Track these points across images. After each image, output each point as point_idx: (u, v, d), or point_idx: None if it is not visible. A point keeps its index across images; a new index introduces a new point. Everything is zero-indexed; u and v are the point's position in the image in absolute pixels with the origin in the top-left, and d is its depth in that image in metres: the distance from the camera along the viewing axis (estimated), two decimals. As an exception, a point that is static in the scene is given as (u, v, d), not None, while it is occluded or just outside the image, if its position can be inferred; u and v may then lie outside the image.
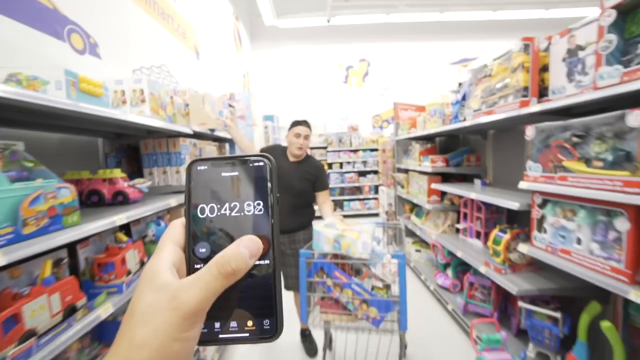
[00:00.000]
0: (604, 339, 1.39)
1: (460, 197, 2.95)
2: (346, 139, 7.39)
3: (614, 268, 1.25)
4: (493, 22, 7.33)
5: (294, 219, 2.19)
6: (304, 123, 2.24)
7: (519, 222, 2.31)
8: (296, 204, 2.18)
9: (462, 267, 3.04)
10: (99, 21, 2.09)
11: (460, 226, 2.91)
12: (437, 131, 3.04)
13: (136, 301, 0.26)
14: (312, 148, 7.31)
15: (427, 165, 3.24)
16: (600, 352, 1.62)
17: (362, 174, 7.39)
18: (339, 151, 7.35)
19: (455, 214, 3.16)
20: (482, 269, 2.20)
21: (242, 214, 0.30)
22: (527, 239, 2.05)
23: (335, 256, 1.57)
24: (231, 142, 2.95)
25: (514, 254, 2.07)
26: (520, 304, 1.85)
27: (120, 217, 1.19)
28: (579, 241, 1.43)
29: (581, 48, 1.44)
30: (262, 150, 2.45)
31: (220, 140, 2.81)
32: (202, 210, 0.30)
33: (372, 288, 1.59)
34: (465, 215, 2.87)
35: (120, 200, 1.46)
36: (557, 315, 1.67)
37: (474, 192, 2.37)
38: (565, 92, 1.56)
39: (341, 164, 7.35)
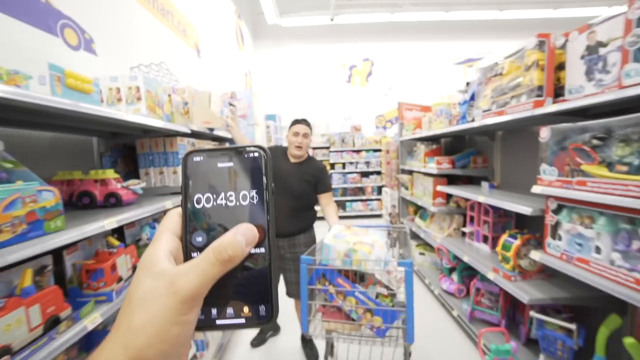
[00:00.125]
0: (623, 354, 1.30)
1: (466, 200, 2.86)
2: (349, 139, 7.31)
3: (639, 280, 1.17)
4: (499, 22, 7.22)
5: (294, 222, 2.11)
6: (303, 121, 2.16)
7: (528, 227, 2.23)
8: (296, 206, 2.10)
9: (467, 272, 2.95)
10: (95, 16, 2.03)
11: (466, 230, 2.82)
12: (443, 132, 2.96)
13: (134, 288, 0.26)
14: (314, 148, 7.24)
15: (432, 167, 3.16)
16: (618, 367, 1.53)
17: (364, 174, 7.30)
18: (342, 151, 7.26)
19: (461, 217, 3.07)
20: (491, 276, 2.11)
21: (237, 203, 0.30)
22: (539, 245, 1.97)
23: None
24: (231, 141, 2.88)
25: (524, 261, 1.99)
26: (532, 314, 1.77)
27: (110, 221, 1.12)
28: (598, 250, 1.34)
29: (602, 44, 1.36)
30: None
31: (219, 140, 2.74)
32: (199, 200, 0.30)
33: (377, 296, 1.51)
34: (471, 218, 2.78)
35: (113, 202, 1.39)
36: (572, 326, 1.58)
37: (482, 195, 2.28)
38: (583, 91, 1.47)
39: (344, 165, 7.27)
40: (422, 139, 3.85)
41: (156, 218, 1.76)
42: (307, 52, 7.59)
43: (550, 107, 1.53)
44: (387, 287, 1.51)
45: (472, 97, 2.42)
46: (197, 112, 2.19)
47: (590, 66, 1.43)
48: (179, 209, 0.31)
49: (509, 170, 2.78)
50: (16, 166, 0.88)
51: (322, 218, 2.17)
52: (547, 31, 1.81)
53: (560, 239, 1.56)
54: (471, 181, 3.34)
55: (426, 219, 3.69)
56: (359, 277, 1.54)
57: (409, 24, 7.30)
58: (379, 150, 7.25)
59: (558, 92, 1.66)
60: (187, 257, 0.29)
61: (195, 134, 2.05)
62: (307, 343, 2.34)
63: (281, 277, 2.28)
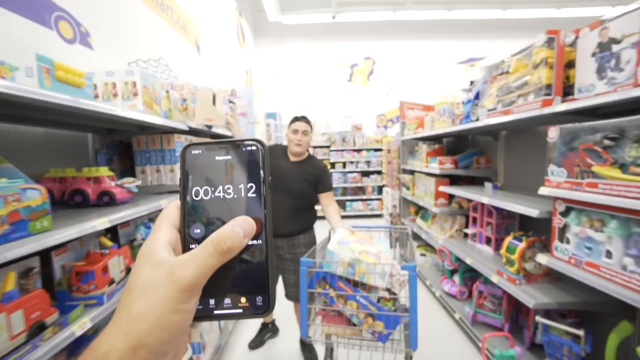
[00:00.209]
0: (634, 363, 1.26)
1: (469, 200, 2.82)
2: (350, 138, 7.25)
3: (652, 287, 1.12)
4: (501, 21, 7.16)
5: (293, 222, 2.06)
6: (303, 119, 2.11)
7: (533, 229, 2.18)
8: (296, 206, 2.05)
9: (469, 274, 2.91)
10: (91, 9, 1.97)
11: (469, 231, 2.77)
12: (446, 131, 2.91)
13: (134, 277, 0.26)
14: (314, 147, 7.19)
15: (434, 167, 3.11)
16: (627, 375, 1.49)
17: (365, 174, 7.25)
18: (342, 150, 7.21)
19: (463, 218, 3.03)
20: (495, 278, 2.07)
21: (235, 196, 0.30)
22: (544, 248, 1.92)
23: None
24: (230, 138, 2.82)
25: (529, 264, 1.94)
26: (538, 319, 1.72)
27: (101, 221, 1.07)
28: (609, 254, 1.29)
29: (616, 41, 1.31)
30: None
31: (218, 137, 2.69)
32: (197, 193, 0.30)
33: (379, 300, 1.47)
34: (474, 219, 2.73)
35: (106, 201, 1.34)
36: (580, 332, 1.53)
37: (486, 197, 2.23)
38: (594, 90, 1.42)
39: (344, 164, 7.22)
40: (424, 139, 3.80)
41: (152, 217, 1.71)
42: (308, 50, 7.53)
43: (560, 107, 1.48)
44: (389, 291, 1.46)
45: (477, 96, 2.37)
46: (200, 110, 2.13)
47: (602, 64, 1.38)
48: (178, 202, 0.31)
49: (512, 171, 2.73)
50: (1, 162, 0.83)
51: (322, 217, 2.13)
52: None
53: (568, 242, 1.51)
54: (473, 182, 3.30)
55: (427, 219, 3.64)
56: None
57: (411, 22, 7.24)
58: (380, 150, 7.20)
59: (567, 91, 1.61)
60: (185, 248, 0.29)
61: (193, 131, 2.00)
62: (306, 346, 2.29)
63: (280, 279, 2.23)
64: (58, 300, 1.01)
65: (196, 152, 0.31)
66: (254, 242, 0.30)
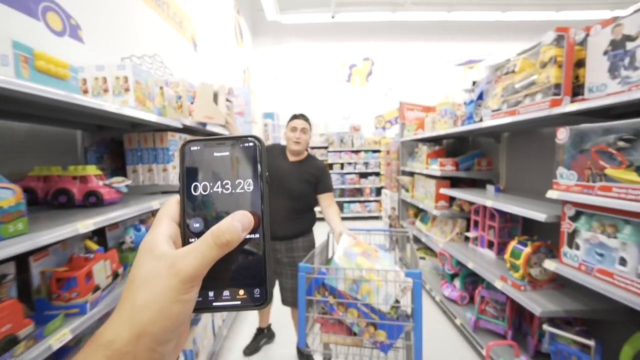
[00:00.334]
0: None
1: (471, 203, 2.76)
2: (348, 139, 7.20)
3: (671, 297, 1.06)
4: (500, 24, 7.16)
5: (292, 224, 1.99)
6: (301, 116, 2.05)
7: (537, 234, 2.12)
8: (295, 207, 1.98)
9: (470, 278, 2.85)
10: (82, 1, 1.89)
11: (470, 235, 2.72)
12: (448, 132, 2.85)
13: (136, 270, 0.27)
14: (312, 148, 7.12)
15: (435, 169, 3.05)
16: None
17: (363, 175, 7.20)
18: (340, 151, 7.15)
19: (464, 221, 2.97)
20: (498, 284, 2.01)
21: (233, 191, 0.31)
22: (550, 253, 1.87)
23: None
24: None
25: (534, 269, 1.88)
26: (546, 327, 1.66)
27: (85, 224, 0.99)
28: (623, 262, 1.23)
29: (630, 39, 1.25)
30: None
31: (215, 136, 2.61)
32: (196, 188, 0.31)
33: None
34: (476, 223, 2.68)
35: (93, 201, 1.26)
36: (591, 343, 1.47)
37: (490, 200, 2.17)
38: (606, 89, 1.37)
39: (342, 165, 7.16)
40: (424, 140, 3.74)
41: (143, 219, 1.63)
42: (306, 50, 7.47)
43: (570, 107, 1.43)
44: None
45: (480, 97, 2.31)
46: (200, 106, 2.05)
47: (614, 62, 1.33)
48: (178, 197, 0.32)
49: (515, 174, 2.68)
50: (-30, 159, 0.75)
51: (320, 219, 2.06)
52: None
53: (578, 248, 1.45)
54: (474, 184, 3.25)
55: (427, 222, 3.59)
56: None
57: (410, 23, 7.21)
58: (378, 151, 7.15)
59: (575, 91, 1.55)
60: (185, 242, 0.30)
61: (188, 129, 1.92)
62: (304, 355, 2.21)
63: (276, 283, 2.15)
64: (35, 310, 0.93)
65: (195, 148, 0.32)
66: (252, 235, 0.30)
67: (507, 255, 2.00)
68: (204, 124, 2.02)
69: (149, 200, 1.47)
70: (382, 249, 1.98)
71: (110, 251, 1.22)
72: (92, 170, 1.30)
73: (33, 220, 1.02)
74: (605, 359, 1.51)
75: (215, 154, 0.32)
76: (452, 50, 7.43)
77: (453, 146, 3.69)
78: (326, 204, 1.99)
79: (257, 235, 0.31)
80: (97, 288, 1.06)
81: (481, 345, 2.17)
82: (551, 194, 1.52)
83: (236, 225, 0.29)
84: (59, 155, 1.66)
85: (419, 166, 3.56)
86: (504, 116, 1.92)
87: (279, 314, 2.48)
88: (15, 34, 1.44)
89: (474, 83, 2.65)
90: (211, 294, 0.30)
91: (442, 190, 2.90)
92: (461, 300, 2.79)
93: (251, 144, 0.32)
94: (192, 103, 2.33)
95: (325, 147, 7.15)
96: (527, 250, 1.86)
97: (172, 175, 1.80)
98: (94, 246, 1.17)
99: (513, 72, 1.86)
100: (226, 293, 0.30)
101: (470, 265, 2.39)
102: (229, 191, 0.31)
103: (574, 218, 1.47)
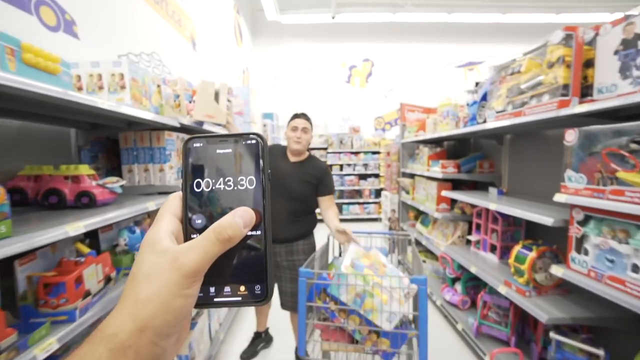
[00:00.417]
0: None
1: (473, 206, 2.72)
2: (347, 141, 7.16)
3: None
4: (500, 26, 7.15)
5: (292, 227, 1.94)
6: (302, 115, 2.00)
7: (542, 238, 2.08)
8: (296, 210, 1.93)
9: (472, 283, 2.81)
10: (78, -4, 1.84)
11: (472, 238, 2.67)
12: (450, 134, 2.81)
13: (138, 265, 0.27)
14: (311, 149, 7.07)
15: (436, 171, 3.01)
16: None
17: (362, 177, 7.15)
18: (340, 153, 7.11)
19: (466, 224, 2.93)
20: (502, 289, 1.96)
21: (235, 188, 0.31)
22: (555, 258, 1.83)
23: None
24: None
25: (539, 275, 1.84)
26: (552, 335, 1.61)
27: (75, 226, 0.94)
28: (635, 268, 1.19)
29: (643, 38, 1.22)
30: None
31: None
32: (198, 185, 0.31)
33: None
34: (478, 226, 2.64)
35: (85, 202, 1.20)
36: (600, 352, 1.43)
37: (493, 203, 2.13)
38: (616, 90, 1.33)
39: (341, 166, 7.12)
40: (425, 142, 3.71)
41: (138, 220, 1.57)
42: (306, 51, 7.44)
43: (579, 108, 1.39)
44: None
45: (484, 98, 2.28)
46: (201, 104, 2.00)
47: (626, 62, 1.29)
48: (180, 193, 0.32)
49: (518, 176, 2.65)
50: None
51: (321, 220, 2.01)
52: (548, 36, 1.69)
53: (586, 253, 1.41)
54: (476, 186, 3.21)
55: (428, 225, 3.54)
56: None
57: (410, 25, 7.19)
58: (378, 153, 7.11)
59: (583, 92, 1.52)
60: (187, 237, 0.30)
61: (185, 129, 1.87)
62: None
63: (275, 287, 2.10)
64: (20, 318, 0.88)
65: (198, 145, 0.32)
66: (254, 232, 0.30)
67: (511, 260, 1.96)
68: (201, 123, 1.97)
69: (144, 202, 1.41)
70: (382, 252, 1.94)
71: (103, 254, 1.17)
72: (84, 169, 1.24)
73: (21, 222, 0.97)
74: (614, 368, 1.47)
75: (218, 150, 0.32)
76: (452, 52, 7.42)
77: (454, 148, 3.65)
78: (326, 206, 1.94)
79: (258, 232, 0.31)
80: (87, 293, 1.01)
81: (484, 352, 2.13)
82: (559, 197, 1.48)
83: (238, 221, 0.29)
84: (51, 154, 1.61)
85: (420, 168, 3.52)
86: (509, 117, 1.88)
87: (277, 317, 2.43)
88: (6, 29, 1.40)
89: (476, 84, 2.62)
90: (212, 289, 0.30)
91: (444, 193, 2.85)
92: (462, 305, 2.74)
93: (254, 141, 0.32)
94: (190, 102, 2.28)
95: (325, 148, 7.11)
96: (532, 255, 1.82)
97: (169, 175, 1.75)
98: (85, 249, 1.11)
99: (519, 72, 1.82)
100: (227, 289, 0.30)
101: (472, 270, 2.34)
102: (231, 188, 0.31)
103: (583, 222, 1.43)
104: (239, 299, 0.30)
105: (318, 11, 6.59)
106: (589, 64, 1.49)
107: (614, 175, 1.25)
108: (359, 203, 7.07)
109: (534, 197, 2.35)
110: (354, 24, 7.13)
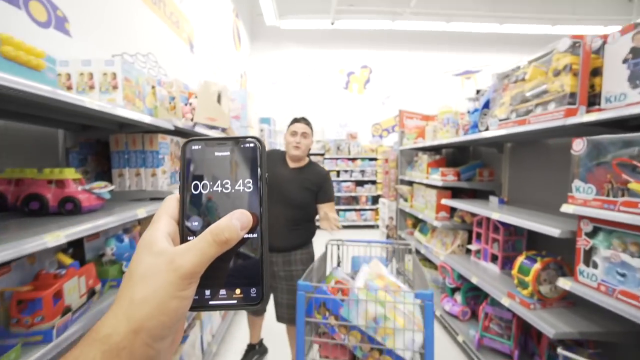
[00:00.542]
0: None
1: (473, 215, 2.68)
2: (344, 147, 7.12)
3: None
4: (498, 36, 7.23)
5: (291, 235, 1.86)
6: (302, 120, 1.94)
7: (544, 248, 2.04)
8: (294, 218, 1.86)
9: (472, 293, 2.75)
10: (71, -8, 1.78)
11: (472, 247, 2.62)
12: (450, 142, 2.77)
13: (135, 265, 0.27)
14: (309, 155, 7.02)
15: (436, 179, 2.97)
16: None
17: (359, 183, 7.10)
18: (337, 159, 7.07)
19: (465, 233, 2.88)
20: (505, 301, 1.91)
21: (233, 191, 0.31)
22: (560, 269, 1.78)
23: (345, 292, 1.26)
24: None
25: (544, 287, 1.79)
26: (560, 351, 1.55)
27: (55, 236, 0.86)
28: (649, 284, 1.14)
29: (655, 46, 1.19)
30: None
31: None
32: (196, 187, 0.31)
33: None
34: (478, 235, 2.59)
35: (70, 208, 1.12)
36: (611, 371, 1.37)
37: (496, 212, 2.09)
38: (625, 99, 1.29)
39: (338, 172, 7.07)
40: (424, 149, 3.68)
41: (127, 228, 1.49)
42: (304, 56, 7.43)
43: (588, 117, 1.35)
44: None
45: (486, 105, 2.25)
46: (203, 107, 1.92)
47: (635, 71, 1.26)
48: (177, 194, 0.32)
49: (518, 185, 2.61)
50: None
51: (319, 227, 1.94)
52: (544, 47, 1.68)
53: (595, 266, 1.36)
54: (475, 195, 3.17)
55: (427, 233, 3.49)
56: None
57: (409, 33, 7.24)
58: (375, 159, 7.09)
59: (590, 101, 1.48)
60: (183, 239, 0.30)
61: (179, 132, 1.80)
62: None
63: (271, 299, 2.02)
64: (-11, 338, 0.79)
65: (196, 147, 0.32)
66: (250, 235, 0.30)
67: (514, 271, 1.91)
68: (194, 126, 1.89)
69: (134, 208, 1.33)
70: (383, 262, 1.87)
71: (87, 265, 1.08)
72: (70, 173, 1.17)
73: (-4, 230, 0.89)
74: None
75: (216, 153, 0.32)
76: (449, 61, 7.47)
77: (453, 156, 3.62)
78: (325, 213, 1.87)
79: (255, 235, 0.31)
80: (67, 310, 0.92)
81: (487, 366, 2.06)
82: (566, 208, 1.44)
83: (235, 223, 0.29)
84: (37, 156, 1.53)
85: (419, 175, 3.48)
86: (513, 125, 1.84)
87: (271, 331, 2.34)
88: (-8, 23, 1.32)
89: (477, 91, 2.59)
90: (208, 292, 0.30)
91: (445, 201, 2.81)
92: (463, 316, 2.67)
93: (252, 144, 0.32)
94: (186, 104, 2.22)
95: (322, 154, 7.06)
96: (537, 266, 1.77)
97: (162, 180, 1.67)
98: (67, 260, 1.03)
99: (523, 80, 1.79)
100: (223, 292, 0.30)
101: (474, 280, 2.29)
102: (229, 190, 0.31)
103: (591, 234, 1.38)
104: (235, 302, 0.30)
105: (317, 17, 6.60)
106: (596, 72, 1.46)
107: (625, 186, 1.21)
108: (355, 210, 7.01)
109: (535, 206, 2.31)
110: (352, 30, 7.15)
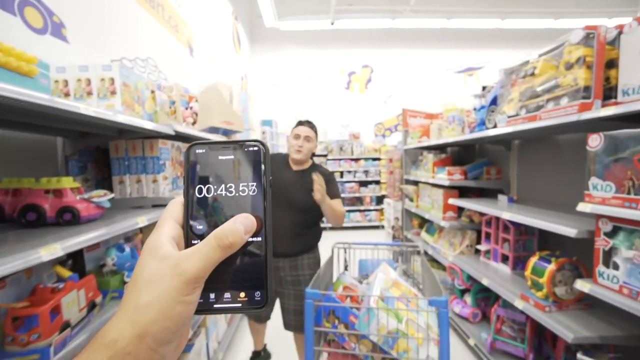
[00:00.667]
0: None
1: (481, 214, 2.61)
2: (347, 147, 7.07)
3: None
4: (499, 31, 7.15)
5: (297, 240, 1.81)
6: (307, 123, 1.90)
7: (556, 247, 1.97)
8: (300, 221, 1.81)
9: (482, 294, 2.68)
10: (67, -2, 1.75)
11: (482, 248, 2.56)
12: (456, 140, 2.72)
13: (140, 270, 0.27)
14: (312, 156, 6.97)
15: (442, 178, 2.91)
16: None
17: (363, 184, 7.05)
18: (340, 159, 7.02)
19: (474, 233, 2.82)
20: (519, 304, 1.84)
21: (237, 194, 0.31)
22: (576, 270, 1.71)
23: (354, 299, 1.21)
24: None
25: (559, 288, 1.72)
26: (580, 356, 1.49)
27: (51, 249, 0.82)
28: (677, 286, 1.08)
29: (675, 35, 1.13)
30: None
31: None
32: (200, 191, 0.31)
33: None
34: (487, 235, 2.52)
35: (68, 219, 1.09)
36: (636, 377, 1.31)
37: (506, 211, 2.03)
38: (644, 92, 1.23)
39: (342, 173, 7.01)
40: (430, 148, 3.62)
41: (129, 237, 1.45)
42: (305, 57, 7.40)
43: (605, 111, 1.29)
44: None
45: (494, 102, 2.19)
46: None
47: (654, 62, 1.20)
48: (182, 198, 0.32)
49: (527, 183, 2.55)
50: None
51: (324, 228, 1.89)
52: (547, 42, 1.63)
53: (616, 267, 1.30)
54: (482, 194, 3.11)
55: (434, 233, 3.43)
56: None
57: (409, 31, 7.18)
58: (378, 159, 7.03)
59: (606, 94, 1.42)
60: (187, 243, 0.30)
61: (179, 136, 1.76)
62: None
63: (277, 302, 1.97)
64: (-18, 359, 0.75)
65: (200, 150, 0.32)
66: (254, 239, 0.30)
67: (527, 272, 1.84)
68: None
69: (135, 216, 1.30)
70: (391, 265, 1.82)
71: (86, 277, 1.04)
72: (68, 182, 1.13)
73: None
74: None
75: (220, 157, 0.32)
76: (451, 58, 7.40)
77: (458, 154, 3.56)
78: None
79: (259, 239, 0.31)
80: (66, 325, 0.88)
81: (501, 371, 2.00)
82: (583, 207, 1.37)
83: (239, 227, 0.29)
84: (36, 165, 1.49)
85: (425, 175, 3.42)
86: (523, 122, 1.78)
87: (276, 337, 2.29)
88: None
89: (484, 88, 2.53)
90: (212, 295, 0.30)
91: (452, 201, 2.75)
92: (473, 318, 2.61)
93: (256, 148, 0.32)
94: (186, 108, 2.18)
95: (325, 155, 7.02)
96: (551, 267, 1.70)
97: (163, 186, 1.63)
98: (65, 273, 0.99)
99: (532, 75, 1.73)
100: (227, 295, 0.30)
101: (484, 282, 2.22)
102: (233, 194, 0.31)
103: (611, 234, 1.32)
104: (239, 305, 0.30)
105: (317, 17, 6.56)
106: (611, 64, 1.41)
107: (648, 183, 1.15)
108: (359, 210, 6.96)
109: (545, 204, 2.25)
110: (352, 30, 7.11)
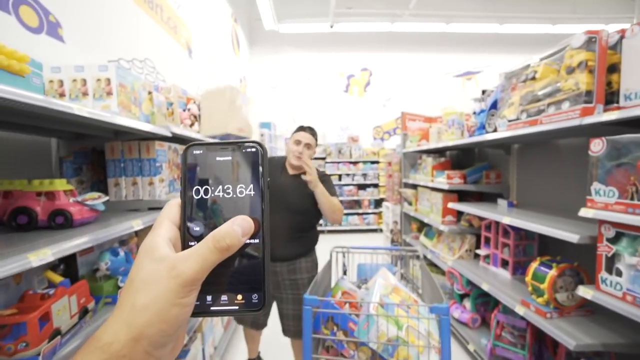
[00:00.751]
0: None
1: (481, 218, 2.60)
2: (346, 150, 7.06)
3: None
4: (498, 36, 7.19)
5: (294, 244, 1.79)
6: (308, 129, 1.88)
7: (558, 253, 1.96)
8: (297, 225, 1.79)
9: (482, 299, 2.66)
10: (64, -3, 1.73)
11: (481, 252, 2.54)
12: (456, 143, 2.71)
13: (136, 271, 0.27)
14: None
15: (441, 182, 2.89)
16: None
17: (361, 187, 7.03)
18: (338, 162, 7.01)
19: (473, 238, 2.80)
20: (520, 310, 1.82)
21: (234, 196, 0.31)
22: (577, 276, 1.70)
23: (353, 305, 1.18)
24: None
25: (561, 294, 1.70)
26: (583, 364, 1.47)
27: (40, 254, 0.79)
28: (682, 294, 1.06)
29: (679, 39, 1.12)
30: None
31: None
32: (197, 192, 0.31)
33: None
34: (487, 239, 2.51)
35: (60, 222, 1.06)
36: (639, 386, 1.28)
37: (506, 216, 2.01)
38: (646, 97, 1.22)
39: (340, 176, 7.00)
40: (429, 151, 3.61)
41: (123, 240, 1.42)
42: (304, 60, 7.40)
43: (607, 116, 1.28)
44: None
45: (494, 106, 2.18)
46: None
47: (657, 67, 1.19)
48: (179, 199, 0.31)
49: (527, 187, 2.54)
50: None
51: (321, 231, 1.86)
52: (545, 47, 1.63)
53: (619, 274, 1.28)
54: (481, 198, 3.09)
55: (433, 237, 3.41)
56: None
57: (409, 34, 7.21)
58: (377, 162, 7.02)
59: (608, 99, 1.42)
60: (184, 245, 0.30)
61: (176, 138, 1.74)
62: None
63: (275, 308, 1.94)
64: (-34, 370, 0.72)
65: (198, 152, 0.32)
66: (252, 241, 0.30)
67: (528, 278, 1.82)
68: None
69: (129, 219, 1.26)
70: (390, 269, 1.79)
71: (79, 283, 1.01)
72: (61, 185, 1.10)
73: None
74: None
75: (217, 158, 0.32)
76: (450, 62, 7.43)
77: (458, 158, 3.55)
78: None
79: (256, 241, 0.30)
80: (56, 333, 0.85)
81: (501, 378, 1.97)
82: (585, 212, 1.36)
83: (236, 229, 0.28)
84: (30, 167, 1.46)
85: (424, 178, 3.40)
86: (524, 126, 1.77)
87: (272, 344, 2.25)
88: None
89: (483, 92, 2.53)
90: (209, 298, 0.29)
91: (451, 205, 2.73)
92: (473, 323, 2.59)
93: (253, 149, 0.32)
94: (184, 110, 2.16)
95: (323, 158, 7.00)
96: (552, 272, 1.69)
97: (159, 189, 1.61)
98: (56, 278, 0.96)
99: (533, 79, 1.72)
100: (224, 297, 0.30)
101: (484, 287, 2.20)
102: (230, 196, 0.31)
103: (614, 240, 1.31)
104: (236, 307, 0.30)
105: (316, 20, 6.57)
106: (613, 69, 1.40)
107: (651, 189, 1.13)
108: (358, 214, 6.93)
109: (545, 209, 2.24)
110: (352, 33, 7.12)
